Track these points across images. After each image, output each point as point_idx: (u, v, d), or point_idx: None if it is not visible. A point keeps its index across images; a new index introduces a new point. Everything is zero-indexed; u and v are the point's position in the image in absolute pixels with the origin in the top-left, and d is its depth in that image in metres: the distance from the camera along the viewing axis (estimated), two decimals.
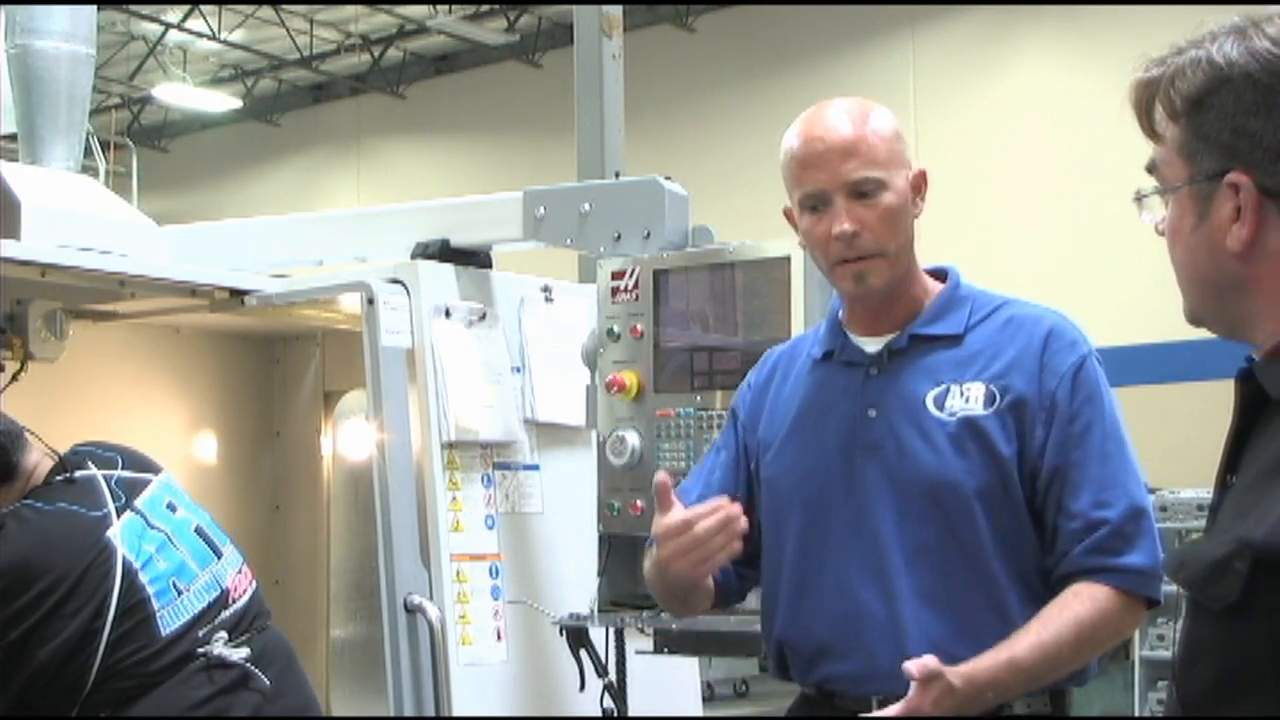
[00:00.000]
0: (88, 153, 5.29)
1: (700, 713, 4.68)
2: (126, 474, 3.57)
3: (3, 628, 3.27)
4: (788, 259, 3.57)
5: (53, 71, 4.61)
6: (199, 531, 3.60)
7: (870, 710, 2.45)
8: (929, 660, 2.26)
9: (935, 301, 2.60)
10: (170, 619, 3.40)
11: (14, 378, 4.22)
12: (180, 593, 3.44)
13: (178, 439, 4.98)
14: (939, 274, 2.67)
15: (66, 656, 3.29)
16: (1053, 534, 2.49)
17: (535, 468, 4.18)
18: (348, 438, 5.06)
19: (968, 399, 2.50)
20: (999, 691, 2.36)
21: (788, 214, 2.65)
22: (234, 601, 3.54)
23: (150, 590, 3.40)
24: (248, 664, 3.44)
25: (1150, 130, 1.68)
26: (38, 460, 3.55)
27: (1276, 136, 1.56)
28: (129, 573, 3.38)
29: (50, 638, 3.28)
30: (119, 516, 3.45)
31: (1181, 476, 10.01)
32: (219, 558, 3.58)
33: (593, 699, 3.93)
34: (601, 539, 3.85)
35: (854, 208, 2.51)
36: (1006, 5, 15.57)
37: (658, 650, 3.75)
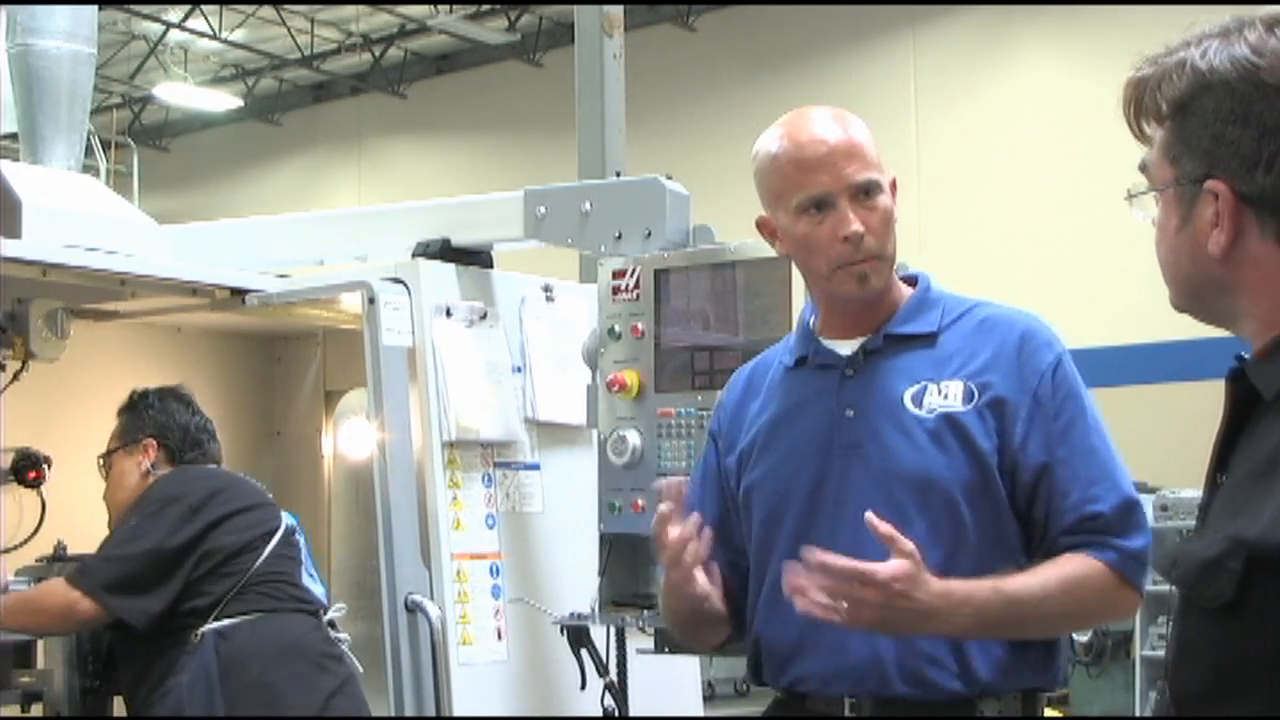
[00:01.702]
0: (89, 152, 5.30)
1: (700, 712, 4.68)
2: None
3: (189, 516, 3.84)
4: (788, 259, 3.56)
5: (54, 71, 4.62)
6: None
7: (843, 711, 2.46)
8: (906, 543, 2.25)
9: (908, 304, 2.62)
10: (305, 578, 4.02)
11: (15, 377, 4.23)
12: (310, 576, 4.06)
13: None
14: (910, 280, 2.68)
15: (237, 550, 3.87)
16: (1043, 529, 2.49)
17: (536, 467, 4.19)
18: (348, 437, 5.06)
19: (946, 396, 2.51)
20: (977, 609, 2.32)
21: (764, 224, 2.65)
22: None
23: (302, 550, 4.05)
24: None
25: (1139, 131, 1.69)
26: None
27: (1253, 145, 1.57)
28: (290, 529, 4.02)
29: (228, 532, 3.87)
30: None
31: (1181, 476, 9.98)
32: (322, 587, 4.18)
33: (593, 698, 3.93)
34: (602, 538, 3.85)
35: (857, 210, 2.52)
36: (1006, 5, 15.57)
37: (658, 649, 3.75)
